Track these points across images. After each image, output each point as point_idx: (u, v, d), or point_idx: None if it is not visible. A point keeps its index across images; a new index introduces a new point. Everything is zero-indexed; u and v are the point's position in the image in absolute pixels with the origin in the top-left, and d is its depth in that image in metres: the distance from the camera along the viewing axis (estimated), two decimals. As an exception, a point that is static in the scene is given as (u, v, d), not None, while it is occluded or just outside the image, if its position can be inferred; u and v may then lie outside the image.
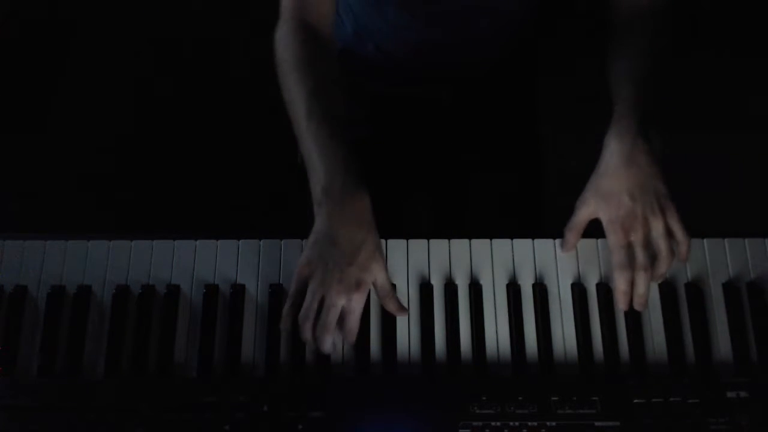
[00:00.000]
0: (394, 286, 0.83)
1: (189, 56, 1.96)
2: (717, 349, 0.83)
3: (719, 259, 0.87)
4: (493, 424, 0.75)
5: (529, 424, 0.75)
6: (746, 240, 0.87)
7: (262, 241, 0.88)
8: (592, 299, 0.85)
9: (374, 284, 0.81)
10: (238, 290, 0.85)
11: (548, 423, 0.76)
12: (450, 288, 0.85)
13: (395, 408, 0.77)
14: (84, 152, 1.85)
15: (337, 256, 0.79)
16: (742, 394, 0.77)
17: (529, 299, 0.85)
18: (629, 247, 0.82)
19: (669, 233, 0.82)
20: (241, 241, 0.88)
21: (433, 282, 0.86)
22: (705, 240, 0.87)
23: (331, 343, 0.79)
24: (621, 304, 0.82)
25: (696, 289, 0.85)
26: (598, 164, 0.84)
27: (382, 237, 0.87)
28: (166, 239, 0.87)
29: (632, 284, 0.82)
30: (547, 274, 0.86)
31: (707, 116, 1.87)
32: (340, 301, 0.78)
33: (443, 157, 1.15)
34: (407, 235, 0.88)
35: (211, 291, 0.84)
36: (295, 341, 0.82)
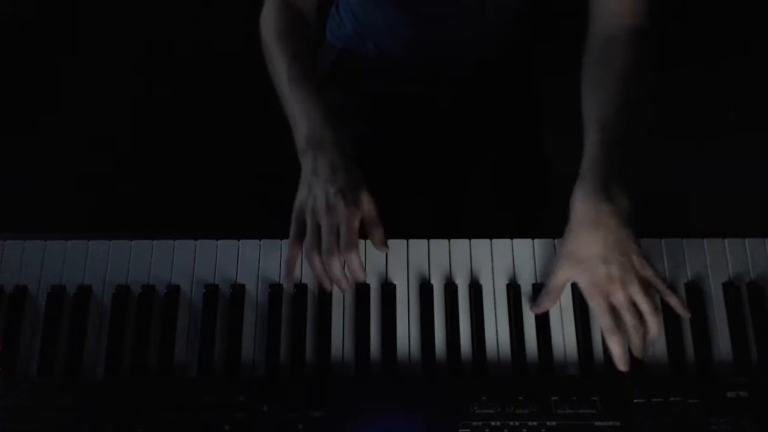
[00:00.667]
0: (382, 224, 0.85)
1: (189, 56, 1.96)
2: (717, 349, 0.83)
3: (719, 259, 0.87)
4: (493, 424, 0.75)
5: (529, 424, 0.76)
6: (746, 240, 0.87)
7: (262, 241, 0.88)
8: (592, 299, 0.85)
9: (362, 213, 0.84)
10: (238, 290, 0.85)
11: (548, 423, 0.76)
12: (450, 288, 0.85)
13: (395, 408, 0.77)
14: (84, 152, 1.85)
15: (322, 183, 0.83)
16: (742, 394, 0.77)
17: (529, 299, 0.85)
18: (614, 310, 0.80)
19: (648, 290, 0.80)
20: (241, 241, 0.88)
21: (433, 282, 0.86)
22: (705, 240, 0.87)
23: (341, 267, 0.81)
24: (621, 367, 0.79)
25: (696, 289, 0.85)
26: (567, 226, 0.82)
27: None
28: (166, 239, 0.87)
29: (625, 344, 0.80)
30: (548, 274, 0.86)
31: (707, 117, 1.87)
32: (335, 221, 0.81)
33: (443, 157, 1.15)
34: (407, 235, 0.88)
35: (211, 291, 0.84)
36: (295, 341, 0.82)
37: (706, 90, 1.89)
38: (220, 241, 0.87)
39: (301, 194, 0.85)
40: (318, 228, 0.82)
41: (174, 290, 0.84)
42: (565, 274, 0.82)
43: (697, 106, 1.88)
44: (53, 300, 0.83)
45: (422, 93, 1.15)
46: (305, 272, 0.86)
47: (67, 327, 0.83)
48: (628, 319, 0.79)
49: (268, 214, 1.77)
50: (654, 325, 0.79)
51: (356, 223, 0.82)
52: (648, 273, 0.80)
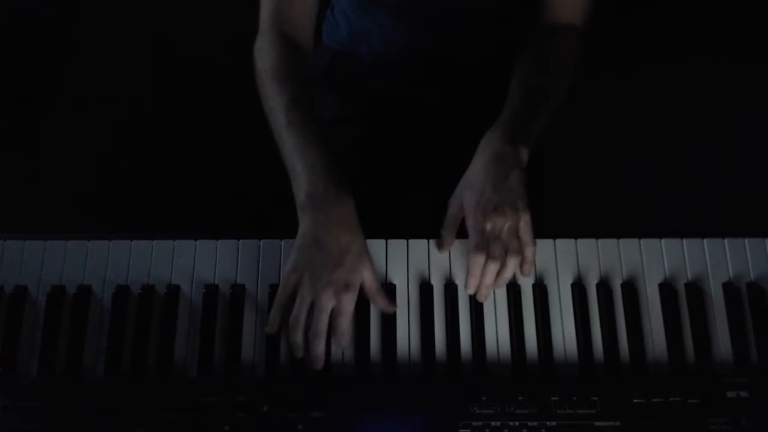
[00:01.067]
0: (390, 286, 0.85)
1: (189, 56, 1.96)
2: (717, 349, 0.83)
3: (719, 259, 0.87)
4: (493, 424, 0.75)
5: (529, 424, 0.75)
6: (746, 240, 0.87)
7: (262, 241, 0.88)
8: (592, 299, 0.85)
9: (362, 285, 0.81)
10: (238, 290, 0.85)
11: (548, 423, 0.76)
12: (450, 288, 0.85)
13: (395, 408, 0.77)
14: (84, 152, 1.85)
15: (325, 260, 0.79)
16: (742, 394, 0.77)
17: (529, 299, 0.85)
18: (485, 234, 0.83)
19: (518, 235, 0.83)
20: (241, 241, 0.88)
21: (433, 282, 0.86)
22: (705, 240, 0.87)
23: (323, 348, 0.79)
24: (469, 288, 0.83)
25: (696, 289, 0.85)
26: (474, 158, 0.89)
27: (382, 237, 0.87)
28: (166, 239, 0.87)
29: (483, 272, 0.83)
30: (547, 274, 0.86)
31: (707, 117, 1.87)
32: (330, 304, 0.78)
33: (441, 158, 1.15)
34: (407, 235, 0.88)
35: (211, 291, 0.84)
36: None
37: (706, 90, 1.90)
38: (220, 241, 0.87)
39: (298, 261, 0.80)
40: (309, 302, 0.79)
41: (174, 290, 0.84)
42: (458, 203, 0.86)
43: (697, 105, 1.88)
44: (53, 300, 0.83)
45: (417, 94, 1.15)
46: (305, 272, 0.86)
47: (67, 327, 0.82)
48: (493, 248, 0.82)
49: (268, 215, 1.78)
50: (511, 265, 0.83)
51: (351, 311, 0.80)
52: (524, 219, 0.83)
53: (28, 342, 0.82)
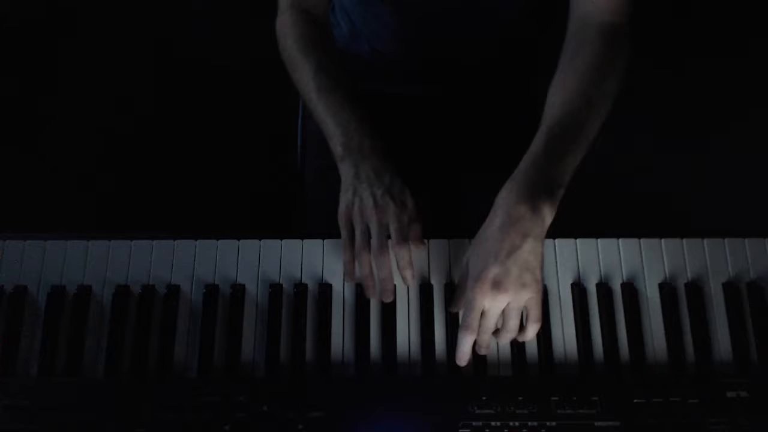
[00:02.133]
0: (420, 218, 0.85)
1: (189, 56, 1.96)
2: (717, 349, 0.83)
3: (719, 259, 0.87)
4: (493, 424, 0.75)
5: (529, 424, 0.76)
6: (746, 240, 0.87)
7: (262, 241, 0.88)
8: (592, 299, 0.85)
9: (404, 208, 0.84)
10: (238, 290, 0.85)
11: (548, 423, 0.76)
12: (450, 288, 0.85)
13: (395, 408, 0.77)
14: (84, 152, 1.85)
15: (367, 187, 0.84)
16: (742, 394, 0.77)
17: (529, 299, 0.85)
18: (477, 312, 0.78)
19: (518, 314, 0.79)
20: (241, 241, 0.88)
21: (433, 282, 0.86)
22: (705, 240, 0.87)
23: (389, 266, 0.81)
24: (460, 362, 0.79)
25: (696, 289, 0.85)
26: (490, 214, 0.80)
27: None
28: (166, 239, 0.87)
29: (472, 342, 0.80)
30: (548, 274, 0.86)
31: (707, 116, 1.87)
32: (384, 221, 0.82)
33: (441, 157, 1.15)
34: (407, 235, 0.88)
35: (211, 291, 0.84)
36: (295, 341, 0.82)
37: (706, 90, 1.90)
38: (220, 241, 0.87)
39: (346, 198, 0.85)
40: (367, 229, 0.83)
41: (174, 290, 0.84)
42: (467, 258, 0.81)
43: (697, 105, 1.88)
44: (53, 300, 0.83)
45: (419, 93, 1.15)
46: (305, 272, 0.86)
47: (67, 327, 0.83)
48: (490, 325, 0.78)
49: (268, 215, 1.78)
50: (504, 338, 0.80)
51: (405, 220, 0.83)
52: (533, 301, 0.78)
53: (28, 342, 0.82)
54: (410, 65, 1.12)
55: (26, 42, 1.99)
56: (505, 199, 0.79)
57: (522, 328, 0.80)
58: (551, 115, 0.84)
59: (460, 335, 0.79)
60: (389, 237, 0.82)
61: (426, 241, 0.87)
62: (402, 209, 0.83)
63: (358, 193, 0.84)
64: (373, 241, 0.82)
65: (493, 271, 0.76)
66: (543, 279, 0.79)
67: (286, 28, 0.99)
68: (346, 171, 0.87)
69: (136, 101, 1.92)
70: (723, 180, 1.78)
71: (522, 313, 0.79)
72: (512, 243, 0.76)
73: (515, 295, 0.76)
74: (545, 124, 0.83)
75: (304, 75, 0.94)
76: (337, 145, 0.88)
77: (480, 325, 0.78)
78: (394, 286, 0.83)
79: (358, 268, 0.83)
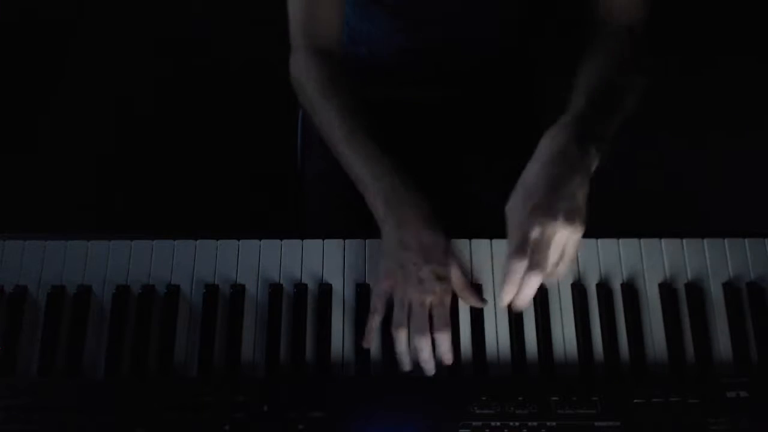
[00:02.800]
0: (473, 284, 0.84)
1: (189, 56, 1.96)
2: (717, 349, 0.83)
3: (719, 259, 0.87)
4: (493, 424, 0.75)
5: (529, 424, 0.75)
6: (746, 240, 0.87)
7: (262, 241, 0.88)
8: (592, 299, 0.85)
9: (453, 284, 0.82)
10: (238, 290, 0.85)
11: (548, 423, 0.76)
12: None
13: (395, 408, 0.77)
14: (84, 152, 1.85)
15: (413, 258, 0.80)
16: (742, 394, 0.77)
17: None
18: (528, 238, 0.74)
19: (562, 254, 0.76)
20: (241, 241, 0.88)
21: (433, 282, 0.86)
22: (705, 240, 0.87)
23: (430, 349, 0.78)
24: (505, 298, 0.76)
25: (696, 289, 0.85)
26: (534, 154, 0.78)
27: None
28: (166, 239, 0.87)
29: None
30: (547, 274, 0.86)
31: (707, 116, 1.87)
32: (427, 301, 0.79)
33: (441, 160, 1.15)
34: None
35: (211, 291, 0.84)
36: (295, 341, 0.82)
37: (706, 90, 1.90)
38: (220, 241, 0.87)
39: (388, 266, 0.81)
40: (407, 305, 0.79)
41: (174, 290, 0.84)
42: (511, 202, 0.78)
43: (697, 105, 1.88)
44: (53, 300, 0.83)
45: (417, 96, 1.15)
46: (305, 272, 0.86)
47: (67, 327, 0.82)
48: (541, 255, 0.73)
49: (268, 215, 1.78)
50: (558, 270, 0.76)
51: (449, 302, 0.80)
52: (573, 234, 0.74)
53: (28, 342, 0.82)
54: (408, 69, 1.12)
55: (26, 42, 1.99)
56: (551, 138, 0.77)
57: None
58: (587, 84, 0.85)
59: (511, 266, 0.74)
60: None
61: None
62: (446, 291, 0.80)
63: (402, 264, 0.80)
64: (413, 323, 0.79)
65: (546, 197, 0.74)
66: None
67: (303, 71, 0.96)
68: (388, 235, 0.82)
69: (136, 101, 1.92)
70: (723, 180, 1.78)
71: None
72: (561, 173, 0.75)
73: (564, 228, 0.73)
74: (583, 90, 0.84)
75: (330, 120, 0.91)
76: (377, 203, 0.84)
77: (531, 261, 0.73)
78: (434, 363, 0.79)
79: (394, 342, 0.79)
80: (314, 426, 0.75)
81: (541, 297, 0.84)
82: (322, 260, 0.87)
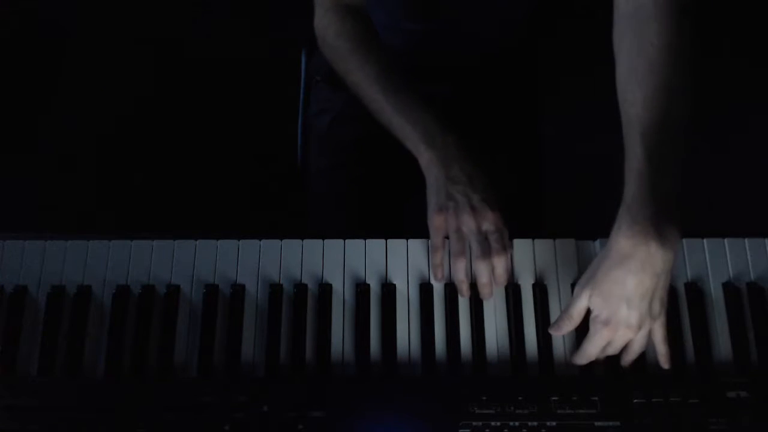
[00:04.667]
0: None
1: (189, 56, 1.96)
2: (717, 349, 0.83)
3: (719, 259, 0.87)
4: (493, 424, 0.75)
5: (529, 424, 0.75)
6: (746, 240, 0.87)
7: (262, 241, 0.88)
8: (592, 299, 0.85)
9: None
10: (238, 290, 0.85)
11: (548, 423, 0.76)
12: (450, 288, 0.85)
13: (395, 408, 0.77)
14: (84, 152, 1.85)
15: (461, 189, 0.83)
16: (742, 394, 0.77)
17: (529, 299, 0.85)
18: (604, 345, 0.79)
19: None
20: (241, 241, 0.88)
21: (433, 282, 0.86)
22: (705, 240, 0.87)
23: (489, 271, 0.81)
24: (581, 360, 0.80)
25: (696, 289, 0.85)
26: (603, 251, 0.76)
27: (382, 237, 0.87)
28: (166, 239, 0.87)
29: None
30: (547, 274, 0.86)
31: (707, 116, 1.87)
32: (482, 226, 0.81)
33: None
34: (407, 235, 0.88)
35: (211, 291, 0.84)
36: (295, 341, 0.82)
37: (706, 89, 1.89)
38: (220, 241, 0.87)
39: (439, 201, 0.84)
40: (462, 233, 0.82)
41: (174, 290, 0.84)
42: (584, 303, 0.78)
43: (697, 105, 1.88)
44: (53, 300, 0.83)
45: (423, 91, 1.15)
46: (305, 272, 0.86)
47: (67, 327, 0.82)
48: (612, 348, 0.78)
49: (268, 215, 1.78)
50: (629, 358, 0.80)
51: (503, 226, 0.83)
52: (658, 330, 0.78)
53: (28, 342, 0.82)
54: (415, 60, 1.12)
55: (27, 42, 1.99)
56: (628, 237, 0.72)
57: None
58: (638, 118, 0.74)
59: (584, 349, 0.78)
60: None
61: (426, 241, 0.87)
62: (498, 216, 0.83)
63: (452, 197, 0.83)
64: (475, 248, 0.81)
65: (628, 317, 0.75)
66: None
67: (334, 27, 0.96)
68: (435, 172, 0.85)
69: (137, 101, 1.92)
70: (723, 180, 1.78)
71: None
72: (645, 287, 0.73)
73: (645, 327, 0.77)
74: (636, 132, 0.74)
75: (364, 78, 0.92)
76: (419, 145, 0.86)
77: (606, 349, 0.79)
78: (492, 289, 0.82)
79: (452, 271, 0.83)
80: (314, 426, 0.75)
81: (541, 297, 0.84)
82: (322, 260, 0.87)
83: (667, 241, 0.71)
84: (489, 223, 0.82)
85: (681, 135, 0.74)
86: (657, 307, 0.76)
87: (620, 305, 0.75)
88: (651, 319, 0.77)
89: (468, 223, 0.82)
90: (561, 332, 0.81)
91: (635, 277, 0.73)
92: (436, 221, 0.84)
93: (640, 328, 0.76)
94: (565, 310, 0.80)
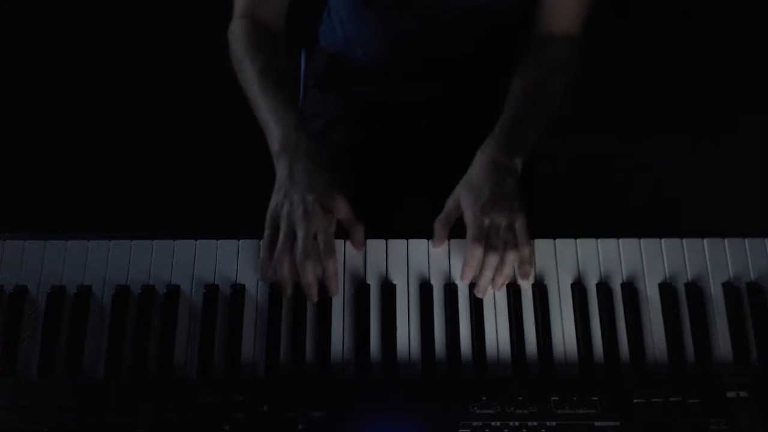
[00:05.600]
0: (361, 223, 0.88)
1: (189, 56, 1.96)
2: (717, 349, 0.83)
3: (719, 259, 0.87)
4: (493, 424, 0.75)
5: (529, 424, 0.75)
6: (746, 240, 0.87)
7: (261, 241, 0.87)
8: (592, 299, 0.85)
9: (339, 217, 0.86)
10: (238, 290, 0.85)
11: (548, 423, 0.76)
12: (450, 288, 0.85)
13: (395, 408, 0.77)
14: (84, 152, 1.85)
15: (299, 190, 0.85)
16: (742, 394, 0.77)
17: (529, 299, 0.85)
18: (483, 228, 0.85)
19: (515, 234, 0.85)
20: (241, 241, 0.88)
21: (432, 282, 0.86)
22: (705, 240, 0.87)
23: (313, 274, 0.82)
24: (464, 277, 0.85)
25: (696, 289, 0.85)
26: (473, 163, 0.91)
27: (382, 237, 0.87)
28: (166, 239, 0.87)
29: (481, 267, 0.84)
30: (547, 274, 0.86)
31: (707, 116, 1.87)
32: (311, 229, 0.83)
33: (438, 158, 1.15)
34: (407, 235, 0.88)
35: (211, 291, 0.84)
36: (295, 341, 0.82)
37: (706, 89, 1.90)
38: (220, 241, 0.87)
39: (277, 199, 0.86)
40: (292, 234, 0.84)
41: (174, 290, 0.84)
42: (455, 201, 0.88)
43: (697, 105, 1.88)
44: (53, 300, 0.83)
45: (414, 96, 1.15)
46: (305, 272, 0.86)
47: (67, 327, 0.82)
48: (494, 240, 0.84)
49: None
50: (509, 261, 0.84)
51: (333, 230, 0.85)
52: (520, 220, 0.85)
53: (28, 342, 0.82)
54: (404, 69, 1.12)
55: (27, 42, 1.99)
56: (487, 148, 0.91)
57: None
58: (518, 96, 0.99)
59: (469, 251, 0.83)
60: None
61: (426, 241, 0.87)
62: (330, 219, 0.85)
63: (288, 196, 0.85)
64: (299, 248, 0.83)
65: (490, 196, 0.86)
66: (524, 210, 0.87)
67: (237, 34, 1.01)
68: (280, 169, 0.88)
69: (136, 101, 1.92)
70: (723, 180, 1.78)
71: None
72: (497, 178, 0.88)
73: (509, 216, 0.85)
74: (514, 104, 0.97)
75: (249, 76, 0.96)
76: (274, 142, 0.90)
77: (486, 245, 0.83)
78: (317, 290, 0.84)
79: (274, 268, 0.83)
80: (314, 426, 0.75)
81: (541, 297, 0.84)
82: (322, 260, 0.87)
83: (513, 159, 0.90)
84: (318, 225, 0.83)
85: (535, 122, 0.97)
86: (515, 203, 0.86)
87: (483, 187, 0.87)
88: (511, 209, 0.85)
89: (299, 224, 0.83)
90: (440, 241, 0.87)
91: (488, 170, 0.89)
92: (269, 217, 0.86)
93: (501, 209, 0.85)
94: (440, 219, 0.88)
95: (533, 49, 1.04)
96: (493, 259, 0.83)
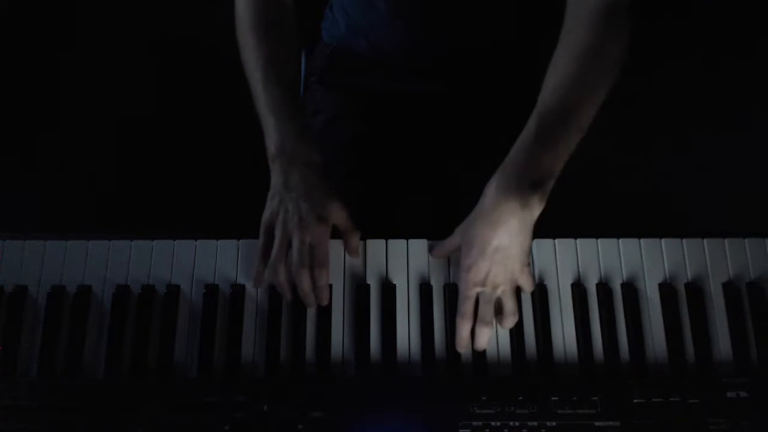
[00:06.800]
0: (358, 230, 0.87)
1: (189, 56, 1.96)
2: (717, 349, 0.83)
3: (719, 259, 0.87)
4: (493, 424, 0.75)
5: (529, 424, 0.76)
6: (746, 240, 0.87)
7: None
8: (592, 299, 0.85)
9: (336, 223, 0.85)
10: (238, 290, 0.85)
11: (548, 423, 0.76)
12: (450, 288, 0.85)
13: (395, 408, 0.77)
14: (84, 152, 1.85)
15: (294, 199, 0.84)
16: (742, 394, 0.77)
17: (529, 299, 0.85)
18: (472, 300, 0.81)
19: (514, 292, 0.83)
20: (241, 241, 0.88)
21: (432, 282, 0.86)
22: (705, 240, 0.87)
23: (309, 282, 0.82)
24: (459, 348, 0.82)
25: (696, 289, 0.85)
26: (477, 206, 0.82)
27: (382, 237, 0.87)
28: (166, 239, 0.87)
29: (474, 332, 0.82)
30: (547, 274, 0.86)
31: (707, 116, 1.87)
32: (306, 238, 0.82)
33: (442, 155, 1.15)
34: (407, 235, 0.88)
35: (211, 291, 0.84)
36: (295, 341, 0.82)
37: (706, 89, 1.90)
38: (220, 241, 0.87)
39: (271, 206, 0.85)
40: (287, 242, 0.83)
41: (174, 290, 0.84)
42: (455, 242, 0.84)
43: (696, 105, 1.88)
44: (53, 300, 0.83)
45: (417, 89, 1.15)
46: (305, 272, 0.86)
47: (67, 327, 0.83)
48: (486, 313, 0.81)
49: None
50: (507, 324, 0.82)
51: (327, 240, 0.84)
52: (524, 279, 0.82)
53: (28, 342, 0.82)
54: (408, 62, 1.11)
55: (27, 42, 1.99)
56: (495, 192, 0.80)
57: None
58: (543, 100, 0.82)
59: (457, 323, 0.81)
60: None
61: (426, 241, 0.87)
62: (325, 230, 0.83)
63: (283, 203, 0.84)
64: (294, 258, 0.82)
65: (482, 267, 0.80)
66: (530, 260, 0.83)
67: (246, 7, 0.95)
68: (276, 175, 0.86)
69: (136, 101, 1.92)
70: (723, 180, 1.78)
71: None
72: (500, 242, 0.80)
73: (505, 284, 0.81)
74: (537, 110, 0.82)
75: (252, 61, 0.92)
76: (271, 145, 0.87)
77: (478, 317, 0.81)
78: (314, 296, 0.83)
79: (270, 275, 0.83)
80: (314, 426, 0.75)
81: (541, 297, 0.84)
82: (322, 260, 0.87)
83: (527, 206, 0.78)
84: (312, 236, 0.82)
85: (574, 124, 0.81)
86: (516, 267, 0.81)
87: (478, 255, 0.80)
88: (509, 277, 0.81)
89: (293, 232, 0.82)
90: (435, 256, 0.85)
91: (492, 230, 0.79)
92: (263, 225, 0.85)
93: (495, 283, 0.80)
94: (441, 245, 0.85)
95: (566, 24, 0.86)
96: (486, 333, 0.81)
